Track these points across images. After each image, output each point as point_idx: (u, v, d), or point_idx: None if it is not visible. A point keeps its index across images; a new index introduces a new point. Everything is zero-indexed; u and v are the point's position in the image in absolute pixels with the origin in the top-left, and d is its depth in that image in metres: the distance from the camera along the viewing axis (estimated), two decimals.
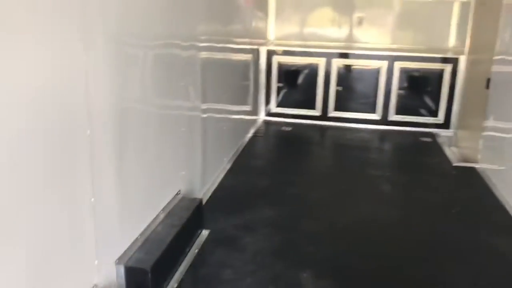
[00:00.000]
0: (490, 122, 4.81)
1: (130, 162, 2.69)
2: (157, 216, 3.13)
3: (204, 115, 3.98)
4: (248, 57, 5.92)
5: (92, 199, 2.29)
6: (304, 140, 6.05)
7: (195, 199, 3.57)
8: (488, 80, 4.92)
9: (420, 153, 5.64)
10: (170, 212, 3.25)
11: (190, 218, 3.25)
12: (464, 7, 6.22)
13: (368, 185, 4.59)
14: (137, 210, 2.87)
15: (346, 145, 5.83)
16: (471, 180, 4.73)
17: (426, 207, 4.14)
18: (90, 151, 2.25)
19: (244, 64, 5.79)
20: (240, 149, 5.42)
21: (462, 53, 6.02)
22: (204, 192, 4.11)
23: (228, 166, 4.83)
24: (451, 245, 3.52)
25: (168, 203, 3.31)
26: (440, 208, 4.13)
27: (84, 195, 2.24)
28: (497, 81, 4.73)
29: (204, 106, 3.96)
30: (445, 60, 6.17)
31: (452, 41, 6.60)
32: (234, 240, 3.49)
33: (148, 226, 2.98)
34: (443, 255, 3.37)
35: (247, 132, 5.99)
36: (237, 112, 5.54)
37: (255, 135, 5.99)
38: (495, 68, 4.76)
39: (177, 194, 3.47)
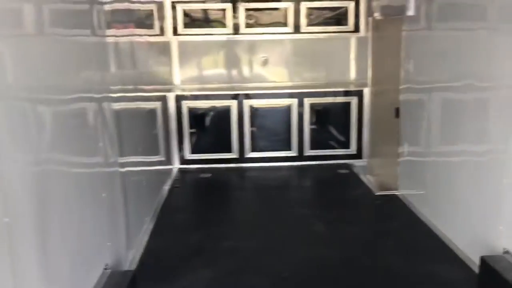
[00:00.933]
0: (405, 149, 4.99)
1: (52, 243, 2.26)
2: None
3: (123, 170, 3.60)
4: (156, 104, 5.62)
5: None
6: (225, 186, 5.83)
7: (126, 272, 3.16)
8: (397, 110, 5.13)
9: (341, 186, 5.69)
10: None
11: None
12: (361, 41, 6.54)
13: (299, 226, 4.47)
14: None
15: (269, 186, 5.70)
16: (396, 209, 4.83)
17: (361, 242, 4.11)
18: (8, 240, 1.83)
19: (153, 112, 5.47)
20: (160, 203, 5.04)
21: (365, 85, 6.28)
22: (131, 260, 3.68)
23: (151, 226, 4.43)
24: (398, 279, 3.48)
25: (97, 283, 2.86)
26: (375, 242, 4.12)
27: None
28: (406, 109, 4.94)
29: (122, 160, 3.58)
30: (350, 93, 6.39)
31: (353, 74, 6.88)
32: None
33: None
34: None
35: (163, 183, 5.62)
36: (152, 163, 5.18)
37: (173, 186, 5.63)
38: (402, 96, 4.98)
39: (105, 269, 3.03)
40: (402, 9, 4.84)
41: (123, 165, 3.61)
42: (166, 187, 5.59)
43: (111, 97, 3.45)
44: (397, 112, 5.14)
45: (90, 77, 3.05)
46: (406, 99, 4.92)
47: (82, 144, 2.81)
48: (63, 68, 2.60)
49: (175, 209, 5.01)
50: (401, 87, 4.98)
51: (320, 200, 5.25)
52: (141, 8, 5.00)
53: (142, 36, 4.92)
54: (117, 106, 3.56)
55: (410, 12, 4.64)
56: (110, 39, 3.50)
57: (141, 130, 4.69)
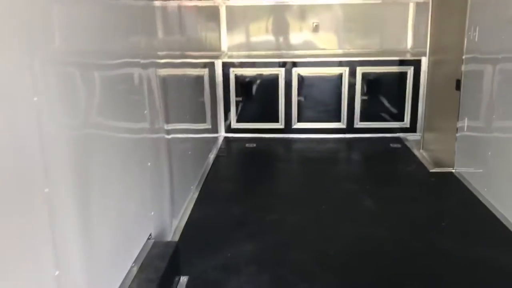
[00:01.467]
0: (464, 123, 4.65)
1: (95, 213, 2.21)
2: (130, 270, 2.65)
3: (168, 137, 3.53)
4: (203, 71, 5.50)
5: (57, 272, 1.81)
6: (270, 157, 5.69)
7: (169, 243, 3.11)
8: (458, 81, 4.77)
9: (393, 161, 5.43)
10: (144, 264, 2.77)
11: (167, 268, 2.79)
12: (420, 7, 6.12)
13: (348, 202, 4.29)
14: (106, 268, 2.38)
15: (316, 159, 5.52)
16: (452, 187, 4.55)
17: (413, 222, 3.89)
18: (49, 211, 1.77)
19: (200, 79, 5.36)
20: (206, 172, 4.98)
21: (423, 54, 5.88)
22: (174, 229, 3.65)
23: (196, 195, 4.38)
24: (451, 263, 3.27)
25: (140, 253, 2.83)
26: (429, 222, 3.90)
27: (47, 268, 1.76)
28: (469, 80, 4.58)
29: (168, 127, 3.51)
30: (406, 63, 6.03)
31: (409, 43, 6.50)
32: (217, 286, 3.06)
33: (121, 285, 2.50)
34: (448, 274, 3.11)
35: (210, 152, 5.55)
36: (198, 131, 5.09)
37: (218, 155, 5.56)
38: (465, 67, 4.61)
39: (148, 239, 3.00)
40: None
41: (169, 132, 3.54)
42: (212, 156, 5.52)
43: (158, 62, 3.35)
44: (458, 84, 4.78)
45: (137, 42, 2.94)
46: (469, 70, 4.55)
47: (128, 110, 2.73)
48: (109, 32, 2.50)
49: (220, 178, 4.95)
50: (464, 56, 4.60)
51: (369, 175, 5.02)
52: None
53: (190, 0, 4.77)
54: (163, 72, 3.47)
55: None
56: (157, 3, 3.37)
57: (188, 97, 4.58)
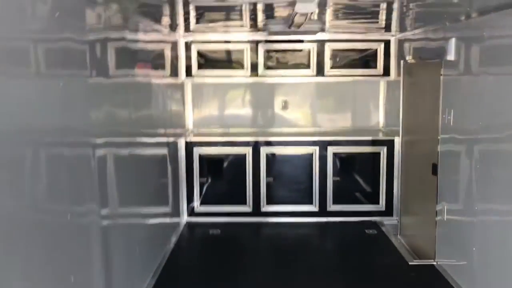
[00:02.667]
0: (444, 207, 4.28)
1: None
2: None
3: (107, 224, 2.99)
4: (165, 150, 5.10)
5: None
6: (236, 246, 5.15)
7: None
8: (435, 166, 4.47)
9: (370, 252, 4.96)
10: None
11: None
12: (391, 85, 5.96)
13: None
14: None
15: (286, 248, 5.03)
16: (434, 284, 4.09)
17: None
18: None
19: (162, 159, 4.95)
20: (161, 266, 4.42)
21: (395, 134, 5.64)
22: None
23: None
24: None
25: None
26: None
27: None
28: (446, 162, 4.27)
29: (104, 212, 2.98)
30: (379, 143, 5.76)
31: (382, 121, 6.29)
32: None
33: None
34: None
35: (168, 241, 5.02)
36: (156, 215, 4.60)
37: (177, 246, 5.02)
38: (442, 147, 4.32)
39: None
40: (440, 52, 4.27)
41: (110, 218, 3.04)
42: (170, 245, 4.98)
43: (95, 142, 2.86)
44: (434, 169, 4.48)
45: (76, 119, 2.53)
46: (446, 151, 4.26)
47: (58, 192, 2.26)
48: (48, 109, 2.11)
49: (179, 275, 4.38)
50: (440, 137, 4.33)
51: (345, 269, 4.50)
52: (152, 48, 4.57)
53: (151, 77, 4.47)
54: (104, 151, 3.02)
55: (451, 56, 4.05)
56: (105, 80, 3.02)
57: (143, 178, 4.14)
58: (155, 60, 4.70)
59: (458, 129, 4.01)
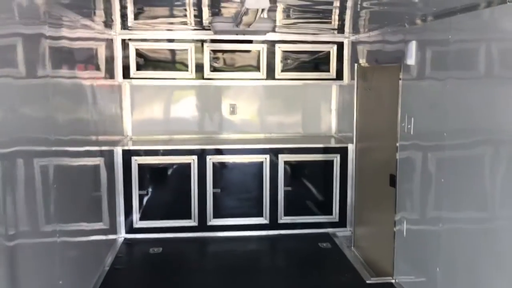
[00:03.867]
0: (403, 218, 4.01)
1: None
2: None
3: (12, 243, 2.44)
4: (98, 160, 4.54)
5: None
6: (181, 266, 4.66)
7: None
8: (392, 178, 4.20)
9: (325, 268, 4.63)
10: None
11: None
12: (344, 90, 5.69)
13: None
14: None
15: (236, 266, 4.61)
16: None
17: None
18: None
19: (94, 170, 4.39)
20: None
21: (349, 140, 5.37)
22: None
23: None
24: None
25: None
26: None
27: None
28: (405, 169, 4.00)
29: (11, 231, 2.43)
30: (332, 150, 5.46)
31: (334, 127, 6.01)
32: None
33: None
34: None
35: (102, 262, 4.46)
36: (87, 233, 4.04)
37: (113, 268, 4.48)
38: (401, 155, 4.04)
39: None
40: (399, 56, 4.00)
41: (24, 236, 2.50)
42: (105, 268, 4.43)
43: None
44: (392, 180, 4.21)
45: None
46: (405, 158, 3.98)
47: None
48: None
49: None
50: (399, 143, 4.06)
51: None
52: (81, 46, 4.01)
53: (80, 78, 3.91)
54: (17, 162, 2.48)
55: (411, 60, 3.78)
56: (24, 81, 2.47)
57: (69, 191, 3.58)
58: (86, 60, 4.13)
59: (419, 135, 3.74)
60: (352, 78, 5.29)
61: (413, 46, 3.76)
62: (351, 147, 5.36)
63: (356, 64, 5.17)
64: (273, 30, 5.04)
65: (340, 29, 5.07)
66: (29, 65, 2.74)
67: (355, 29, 5.00)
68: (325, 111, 6.02)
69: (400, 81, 4.02)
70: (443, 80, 3.37)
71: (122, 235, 5.23)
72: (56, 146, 3.15)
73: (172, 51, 5.41)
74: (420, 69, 3.71)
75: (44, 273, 2.93)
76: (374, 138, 4.85)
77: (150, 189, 5.28)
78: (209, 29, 4.99)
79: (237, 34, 4.94)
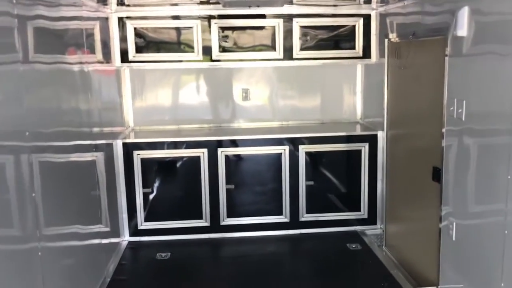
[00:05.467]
0: (451, 210, 3.40)
1: None
2: None
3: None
4: (95, 156, 3.98)
5: None
6: (192, 272, 4.10)
7: None
8: (437, 171, 3.57)
9: (354, 275, 4.05)
10: None
11: None
12: (372, 69, 5.04)
13: None
14: None
15: (253, 271, 4.06)
16: None
17: None
18: None
19: (89, 166, 3.84)
20: None
21: (379, 127, 4.74)
22: None
23: None
24: None
25: None
26: None
27: None
28: (453, 158, 3.37)
29: None
30: (359, 139, 4.83)
31: (359, 112, 5.38)
32: None
33: None
34: None
35: (104, 270, 3.93)
36: (84, 236, 3.50)
37: (114, 279, 3.94)
38: (448, 141, 3.40)
39: None
40: (444, 27, 3.34)
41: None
42: (107, 278, 3.90)
43: None
44: (436, 174, 3.58)
45: None
46: (454, 146, 3.34)
47: None
48: None
49: None
50: (445, 129, 3.41)
51: None
52: (71, 26, 3.42)
53: (72, 63, 3.33)
54: None
55: (462, 31, 3.11)
56: None
57: (61, 191, 3.04)
58: (74, 42, 3.53)
59: (474, 120, 3.10)
60: (382, 56, 4.63)
61: (465, 13, 3.09)
62: (381, 135, 4.73)
63: (386, 40, 4.50)
64: (290, 2, 4.39)
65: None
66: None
67: None
68: (348, 95, 5.38)
69: (447, 58, 3.37)
70: (506, 56, 2.71)
71: (126, 238, 4.68)
72: (35, 140, 2.58)
73: (176, 30, 4.77)
74: (475, 41, 3.05)
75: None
76: (410, 124, 4.21)
77: (155, 187, 4.70)
78: (217, 3, 4.37)
79: (249, 7, 4.34)
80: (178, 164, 4.72)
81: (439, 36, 3.46)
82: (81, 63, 3.54)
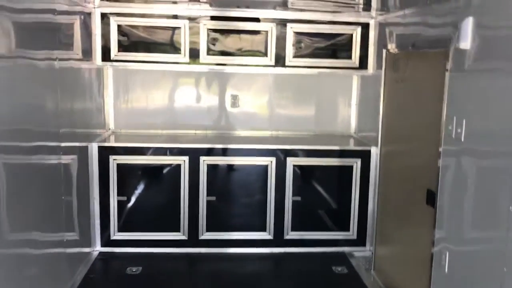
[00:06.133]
0: (444, 234, 3.11)
1: None
2: None
3: None
4: (69, 159, 3.71)
5: None
6: None
7: None
8: (430, 194, 3.29)
9: None
10: None
11: None
12: (368, 81, 4.77)
13: None
14: None
15: None
16: None
17: None
18: None
19: (63, 170, 3.55)
20: None
21: (372, 142, 4.46)
22: None
23: None
24: None
25: None
26: None
27: None
28: (450, 179, 3.08)
29: None
30: (351, 154, 4.54)
31: (353, 125, 5.10)
32: None
33: None
34: None
35: (67, 282, 3.63)
36: (45, 244, 3.20)
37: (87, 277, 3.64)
38: (444, 161, 3.11)
39: None
40: (446, 39, 3.07)
41: None
42: None
43: None
44: (430, 197, 3.30)
45: None
46: (451, 166, 3.06)
47: None
48: None
49: None
50: (442, 148, 3.13)
51: None
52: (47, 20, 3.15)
53: (42, 59, 3.06)
54: None
55: (465, 43, 2.84)
56: None
57: (23, 194, 2.77)
58: (50, 37, 3.26)
59: (474, 140, 2.81)
60: (379, 67, 4.36)
61: (469, 24, 2.82)
62: (374, 151, 4.45)
63: (384, 50, 4.23)
64: (285, 5, 4.13)
65: (366, 7, 4.17)
66: None
67: (384, 7, 4.09)
68: (343, 106, 5.11)
69: (447, 73, 3.09)
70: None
71: (97, 248, 4.38)
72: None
73: (162, 29, 4.50)
74: (478, 55, 2.78)
75: None
76: (405, 141, 3.93)
77: (132, 195, 4.41)
78: (206, 2, 4.11)
79: (238, 7, 4.07)
80: (156, 172, 4.43)
81: (440, 48, 3.19)
82: (50, 59, 3.25)
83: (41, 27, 3.14)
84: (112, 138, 4.68)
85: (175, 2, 4.24)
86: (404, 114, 3.91)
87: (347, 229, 4.58)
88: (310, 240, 4.54)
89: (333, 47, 4.67)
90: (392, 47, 4.16)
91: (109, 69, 4.74)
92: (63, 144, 3.52)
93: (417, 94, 3.67)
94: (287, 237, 4.52)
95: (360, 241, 4.59)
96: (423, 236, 3.42)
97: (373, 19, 4.56)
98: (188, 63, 4.51)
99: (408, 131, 3.85)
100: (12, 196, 2.63)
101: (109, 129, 4.85)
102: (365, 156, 4.49)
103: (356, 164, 4.51)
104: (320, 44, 4.64)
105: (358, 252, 4.56)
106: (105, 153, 4.29)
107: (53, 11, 3.30)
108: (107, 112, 4.83)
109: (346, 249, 4.57)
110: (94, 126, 4.52)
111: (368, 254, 4.52)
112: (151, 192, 4.44)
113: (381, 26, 4.45)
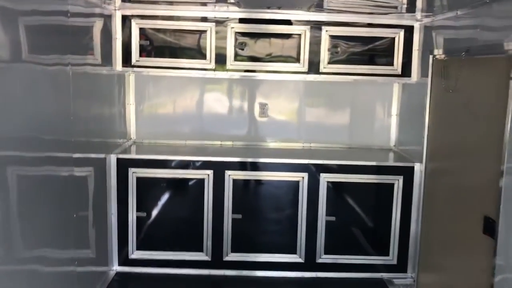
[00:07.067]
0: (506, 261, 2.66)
1: None
2: None
3: None
4: (86, 171, 3.42)
5: None
6: None
7: None
8: (489, 221, 2.84)
9: None
10: None
11: None
12: (411, 90, 4.34)
13: None
14: None
15: None
16: None
17: None
18: None
19: (80, 183, 3.27)
20: None
21: (416, 158, 4.03)
22: None
23: None
24: None
25: None
26: None
27: None
28: None
29: None
30: (392, 170, 4.11)
31: (393, 138, 4.67)
32: None
33: None
34: None
35: None
36: (55, 262, 2.91)
37: None
38: (508, 181, 2.67)
39: None
40: (508, 44, 2.64)
41: None
42: None
43: None
44: (488, 225, 2.85)
45: None
46: None
47: None
48: None
49: None
50: (505, 166, 2.69)
51: None
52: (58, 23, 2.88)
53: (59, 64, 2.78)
54: None
55: None
56: None
57: (31, 208, 2.48)
58: (64, 41, 2.98)
59: None
60: (424, 75, 3.93)
61: None
62: (418, 167, 4.01)
63: (431, 56, 3.80)
64: (320, 6, 3.75)
65: (410, 9, 3.75)
66: None
67: (430, 8, 3.66)
68: (382, 116, 4.68)
69: (511, 81, 2.66)
70: None
71: (114, 267, 4.08)
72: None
73: (187, 33, 4.18)
74: None
75: None
76: (455, 158, 3.48)
77: (151, 210, 4.09)
78: (233, 3, 3.77)
79: (268, 8, 3.72)
80: (179, 186, 4.10)
81: (501, 54, 2.76)
82: (61, 64, 2.97)
83: (50, 30, 2.85)
84: (133, 148, 4.40)
85: (204, 4, 3.92)
86: (456, 126, 3.47)
87: (387, 253, 4.14)
88: (345, 265, 4.12)
89: (372, 52, 4.26)
90: (440, 52, 3.73)
91: (131, 76, 4.47)
92: (75, 156, 3.23)
93: (472, 104, 3.23)
94: (319, 260, 4.11)
95: (400, 266, 4.14)
96: (478, 264, 2.98)
97: (418, 21, 4.13)
98: (214, 70, 4.18)
99: (460, 146, 3.40)
100: (19, 209, 2.35)
101: (131, 138, 4.57)
102: (407, 174, 4.05)
103: (398, 182, 4.06)
104: (358, 49, 4.24)
105: (398, 279, 4.11)
106: (124, 165, 3.99)
107: (65, 13, 3.01)
108: (129, 120, 4.55)
109: (384, 275, 4.13)
110: (114, 136, 4.23)
111: (409, 281, 4.07)
112: (173, 208, 4.11)
113: (427, 29, 4.01)
